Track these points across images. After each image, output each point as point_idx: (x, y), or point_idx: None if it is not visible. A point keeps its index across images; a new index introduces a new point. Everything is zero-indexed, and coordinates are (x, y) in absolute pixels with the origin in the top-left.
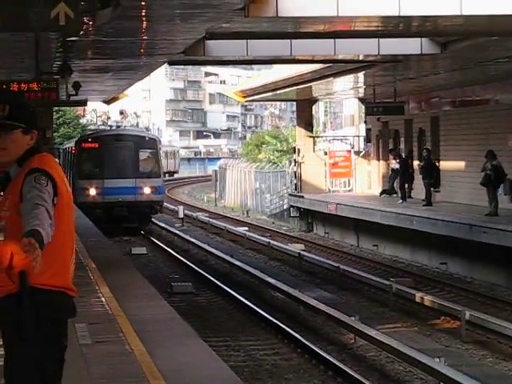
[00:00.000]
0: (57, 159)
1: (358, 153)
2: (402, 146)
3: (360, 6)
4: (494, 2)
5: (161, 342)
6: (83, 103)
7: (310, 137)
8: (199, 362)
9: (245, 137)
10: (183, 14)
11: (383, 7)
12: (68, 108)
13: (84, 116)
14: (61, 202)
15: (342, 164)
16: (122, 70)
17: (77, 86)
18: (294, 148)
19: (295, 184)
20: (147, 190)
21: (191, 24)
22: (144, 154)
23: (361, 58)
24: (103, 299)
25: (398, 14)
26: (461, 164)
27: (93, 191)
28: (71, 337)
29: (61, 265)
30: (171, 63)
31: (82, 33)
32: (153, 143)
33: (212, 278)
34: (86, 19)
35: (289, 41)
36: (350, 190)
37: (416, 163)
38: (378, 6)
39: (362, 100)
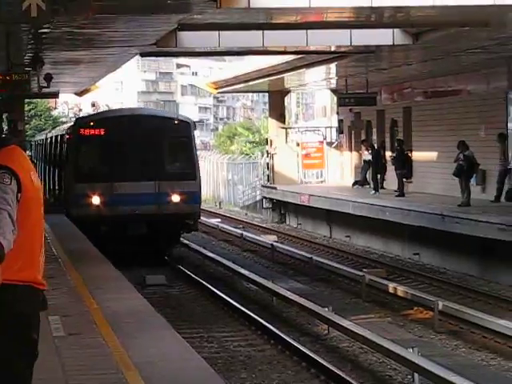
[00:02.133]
0: (28, 152)
1: (330, 144)
2: (375, 136)
3: None
4: None
5: (134, 333)
6: (55, 95)
7: (283, 128)
8: (173, 354)
9: (217, 128)
10: (156, 5)
11: None
12: (39, 100)
13: (56, 108)
14: (25, 196)
15: (314, 155)
16: (93, 62)
17: (48, 77)
18: (267, 139)
19: (268, 175)
20: (176, 198)
21: (163, 15)
22: (172, 145)
23: (333, 49)
24: (76, 292)
25: (370, 5)
26: (433, 155)
27: (96, 200)
28: (44, 329)
29: (28, 259)
30: (143, 55)
31: (53, 24)
32: (185, 129)
33: (185, 270)
34: (58, 11)
35: (261, 32)
36: (322, 181)
37: (388, 154)
38: None
39: (334, 91)
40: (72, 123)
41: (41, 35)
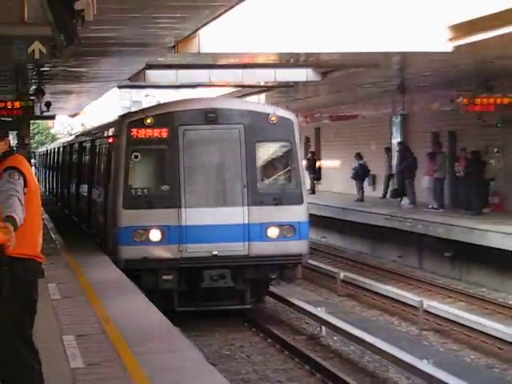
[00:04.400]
0: (33, 160)
1: None
2: None
3: (261, 44)
4: (360, 42)
5: (113, 295)
6: (52, 118)
7: None
8: (141, 312)
9: None
10: (128, 51)
11: (279, 46)
12: (41, 121)
13: (53, 127)
14: (29, 191)
15: None
16: (82, 92)
17: (48, 104)
18: None
19: None
20: (274, 232)
21: (134, 57)
22: (266, 152)
23: (262, 83)
24: (69, 265)
25: (289, 51)
26: (337, 162)
27: (156, 235)
28: (44, 293)
29: (31, 239)
30: (120, 87)
31: (52, 64)
32: (286, 129)
33: None
34: (55, 54)
35: (208, 70)
36: None
37: (303, 162)
38: (275, 44)
39: None
40: (116, 120)
41: (42, 72)
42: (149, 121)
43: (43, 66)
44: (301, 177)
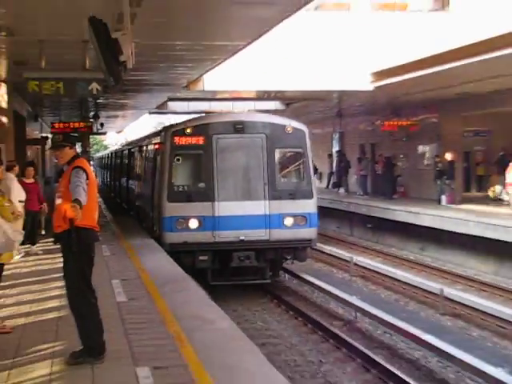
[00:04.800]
0: (92, 162)
1: None
2: None
3: (245, 85)
4: (312, 83)
5: (146, 254)
6: (104, 133)
7: None
8: (165, 265)
9: None
10: (156, 89)
11: (257, 85)
12: (97, 136)
13: (105, 140)
14: (90, 183)
15: None
16: (124, 116)
17: (102, 124)
18: None
19: None
20: (289, 221)
21: (160, 93)
22: (283, 157)
23: (246, 111)
24: (117, 233)
25: (263, 90)
26: None
27: (194, 223)
28: (99, 252)
29: (91, 215)
30: (150, 113)
31: (104, 97)
32: (299, 138)
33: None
34: (106, 91)
35: (209, 102)
36: None
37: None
38: (254, 84)
39: None
40: (162, 130)
41: (98, 103)
42: (189, 130)
43: (99, 99)
44: (311, 176)
